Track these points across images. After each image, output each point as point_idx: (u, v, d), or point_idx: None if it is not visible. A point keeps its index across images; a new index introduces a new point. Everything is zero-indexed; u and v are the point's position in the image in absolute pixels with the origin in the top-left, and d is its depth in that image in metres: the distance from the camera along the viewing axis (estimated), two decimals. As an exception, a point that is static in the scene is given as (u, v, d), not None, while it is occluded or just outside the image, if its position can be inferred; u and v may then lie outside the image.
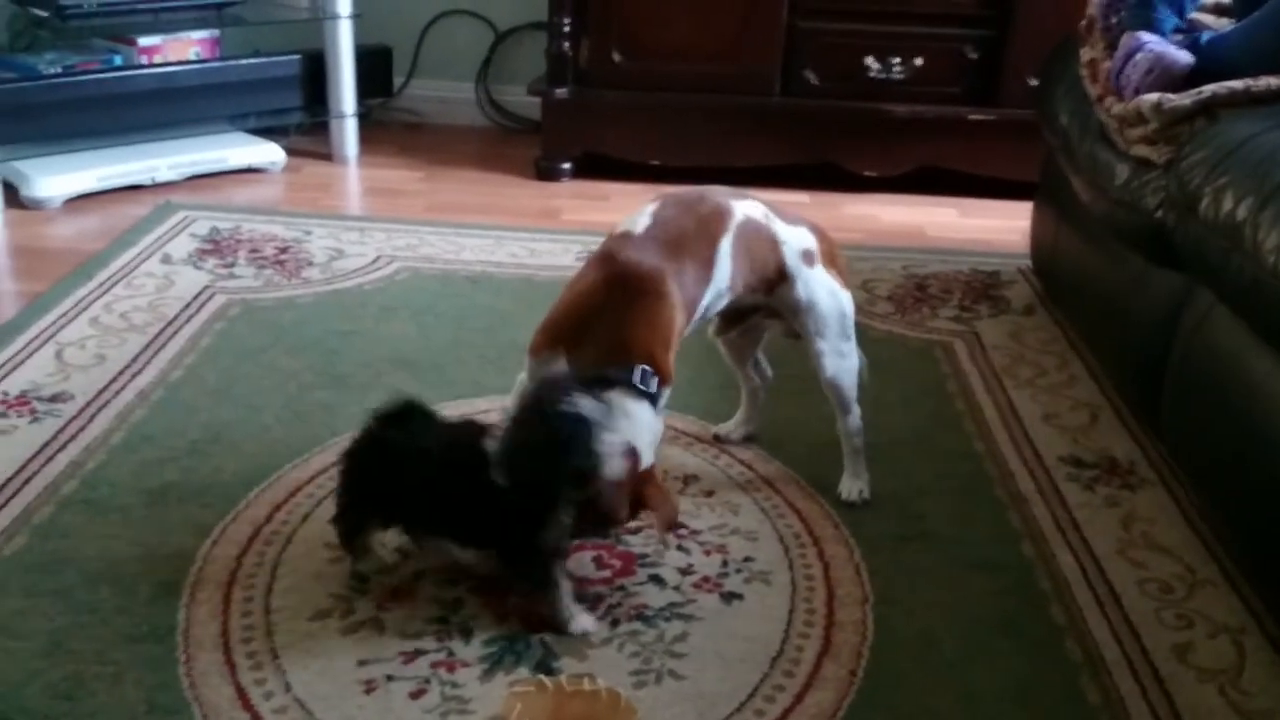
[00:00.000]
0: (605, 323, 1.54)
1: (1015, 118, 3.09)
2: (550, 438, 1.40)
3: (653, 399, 1.50)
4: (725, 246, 1.64)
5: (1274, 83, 1.77)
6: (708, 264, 1.63)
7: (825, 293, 1.72)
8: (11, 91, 2.96)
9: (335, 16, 3.25)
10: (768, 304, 1.74)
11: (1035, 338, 2.40)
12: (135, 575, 1.55)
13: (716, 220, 1.66)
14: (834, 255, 1.77)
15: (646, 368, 1.51)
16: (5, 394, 1.99)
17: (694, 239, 1.64)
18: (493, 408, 1.98)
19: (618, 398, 1.45)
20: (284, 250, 2.66)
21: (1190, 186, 1.69)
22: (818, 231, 1.76)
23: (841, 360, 1.75)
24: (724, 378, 1.99)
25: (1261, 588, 1.60)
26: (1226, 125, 1.74)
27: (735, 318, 1.82)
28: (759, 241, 1.68)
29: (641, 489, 1.48)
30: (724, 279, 1.65)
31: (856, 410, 1.79)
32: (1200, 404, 1.69)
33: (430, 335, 2.28)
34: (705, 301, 1.65)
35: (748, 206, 1.70)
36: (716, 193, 1.71)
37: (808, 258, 1.71)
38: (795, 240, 1.71)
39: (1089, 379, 2.23)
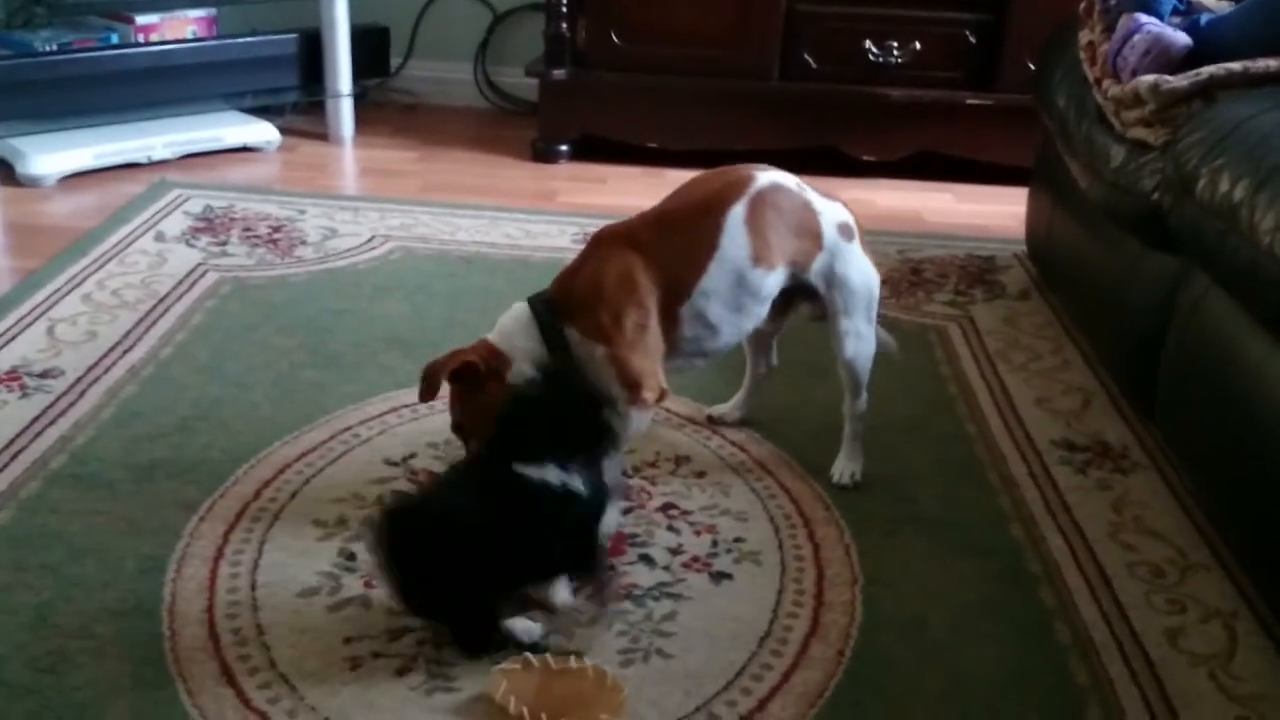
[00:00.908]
0: (570, 271, 1.67)
1: (1013, 102, 3.08)
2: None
3: (543, 325, 1.60)
4: (736, 213, 1.63)
5: (1272, 64, 1.75)
6: (711, 232, 1.62)
7: (859, 271, 1.72)
8: (8, 69, 2.96)
9: (332, -5, 3.24)
10: (810, 283, 1.72)
11: (1030, 322, 2.39)
12: (122, 550, 1.54)
13: (729, 190, 1.65)
14: (863, 235, 1.77)
15: (553, 300, 1.62)
16: (-5, 369, 1.98)
17: (695, 211, 1.65)
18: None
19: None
20: (277, 229, 2.65)
21: (1187, 168, 1.67)
22: (850, 209, 1.76)
23: (862, 342, 1.74)
24: (717, 359, 1.97)
25: (1254, 572, 1.59)
26: (1224, 107, 1.73)
27: (784, 307, 1.80)
28: (792, 208, 1.67)
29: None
30: (741, 248, 1.63)
31: (865, 395, 1.78)
32: (1195, 388, 1.68)
33: (423, 315, 2.27)
34: (719, 273, 1.62)
35: (776, 175, 1.69)
36: (745, 166, 1.71)
37: (845, 231, 1.71)
38: (832, 212, 1.71)
39: (1083, 363, 2.22)
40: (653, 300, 1.61)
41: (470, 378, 1.57)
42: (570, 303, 1.61)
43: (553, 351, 1.59)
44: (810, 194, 1.71)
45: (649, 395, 1.61)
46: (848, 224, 1.72)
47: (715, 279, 1.63)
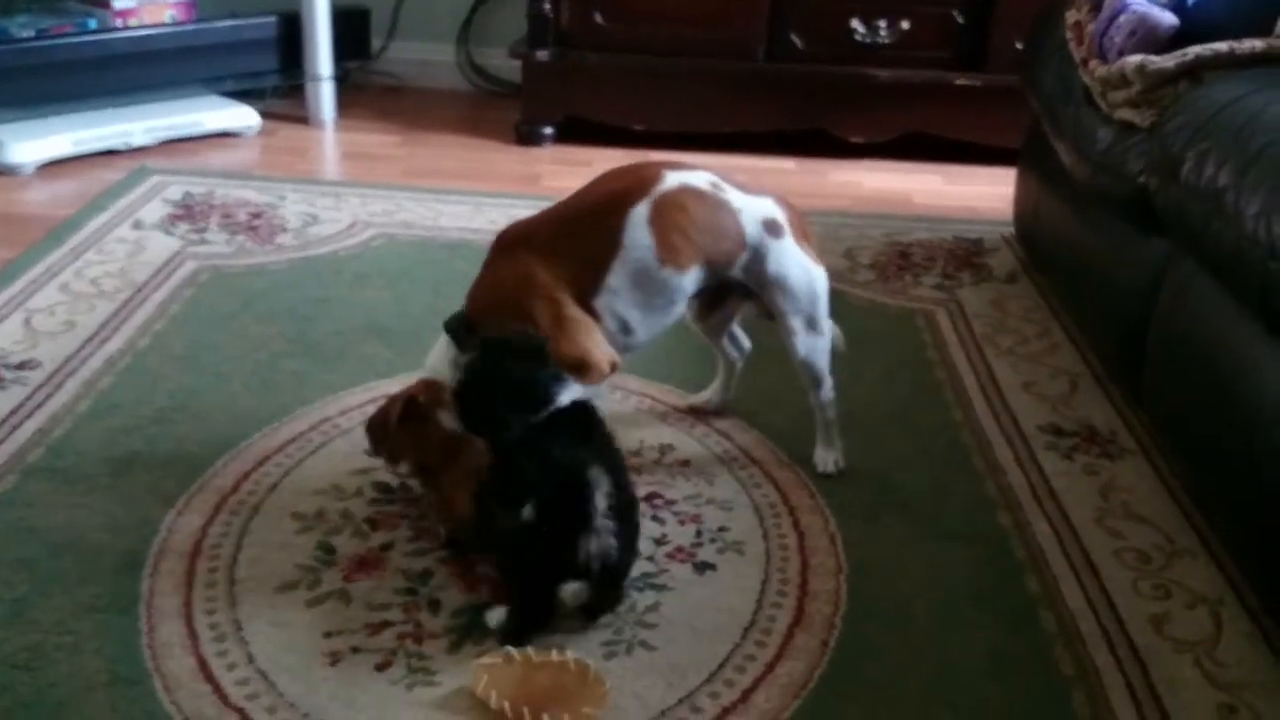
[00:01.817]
0: (476, 283, 1.65)
1: (1002, 83, 3.05)
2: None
3: (460, 344, 1.56)
4: (639, 213, 1.59)
5: (1259, 45, 1.74)
6: (614, 231, 1.59)
7: (798, 268, 1.67)
8: (-16, 55, 2.92)
9: (312, -23, 3.20)
10: (739, 281, 1.69)
11: (1017, 305, 2.38)
12: (99, 545, 1.53)
13: (634, 189, 1.62)
14: (805, 229, 1.72)
15: (468, 317, 1.59)
16: (-29, 361, 1.96)
17: (597, 209, 1.62)
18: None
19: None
20: (257, 216, 2.63)
21: (1173, 150, 1.66)
22: (784, 203, 1.71)
23: (814, 340, 1.71)
24: (700, 347, 1.96)
25: (1240, 558, 1.59)
26: (1210, 88, 1.71)
27: (713, 301, 1.79)
28: (702, 209, 1.63)
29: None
30: (645, 249, 1.59)
31: (829, 383, 1.75)
32: (1181, 371, 1.67)
33: (405, 303, 2.25)
34: (623, 271, 1.59)
35: (685, 175, 1.64)
36: (653, 164, 1.68)
37: (772, 228, 1.66)
38: (754, 208, 1.66)
39: (1070, 347, 2.21)
40: (561, 292, 1.57)
41: (415, 413, 1.54)
42: (481, 315, 1.58)
43: None
44: (730, 193, 1.66)
45: (594, 374, 1.57)
46: (774, 220, 1.67)
47: (620, 277, 1.59)
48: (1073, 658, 1.43)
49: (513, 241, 1.63)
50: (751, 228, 1.65)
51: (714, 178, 1.67)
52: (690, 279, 1.63)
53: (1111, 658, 1.43)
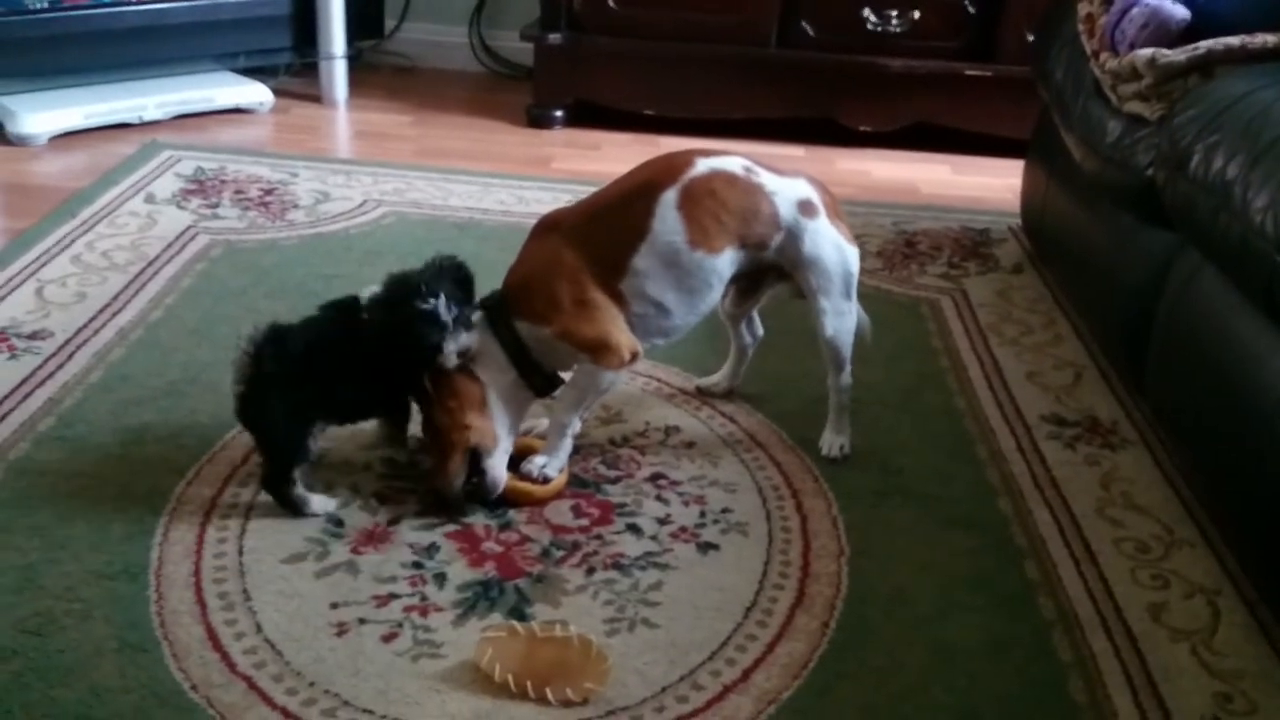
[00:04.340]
0: (513, 265, 1.69)
1: (1012, 74, 3.06)
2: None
3: (492, 323, 1.61)
4: (668, 198, 1.62)
5: (1270, 40, 1.74)
6: (642, 216, 1.62)
7: (831, 247, 1.70)
8: (-2, 26, 2.92)
9: (326, -45, 3.21)
10: (774, 262, 1.71)
11: (1023, 296, 2.39)
12: (109, 513, 1.54)
13: (664, 175, 1.64)
14: (838, 209, 1.75)
15: (502, 296, 1.64)
16: (-17, 330, 1.97)
17: (628, 195, 1.65)
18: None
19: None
20: (269, 192, 2.64)
21: (1182, 144, 1.66)
22: (818, 185, 1.74)
23: (842, 319, 1.73)
24: (708, 331, 1.97)
25: (1239, 549, 1.60)
26: (1221, 82, 1.72)
27: (751, 287, 1.80)
28: (734, 193, 1.65)
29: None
30: (675, 233, 1.61)
31: (849, 368, 1.77)
32: (1185, 364, 1.68)
33: (415, 281, 2.26)
34: (652, 254, 1.61)
35: (717, 161, 1.66)
36: (686, 152, 1.69)
37: (806, 208, 1.68)
38: (788, 190, 1.68)
39: (1074, 338, 2.22)
40: (586, 275, 1.60)
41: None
42: (513, 295, 1.63)
43: (506, 347, 1.60)
44: (763, 175, 1.68)
45: (613, 357, 1.60)
46: (809, 201, 1.69)
47: (648, 259, 1.62)
48: (1071, 644, 1.44)
49: (547, 226, 1.67)
50: (786, 209, 1.67)
51: (747, 162, 1.69)
52: (725, 261, 1.65)
53: (1109, 644, 1.45)
